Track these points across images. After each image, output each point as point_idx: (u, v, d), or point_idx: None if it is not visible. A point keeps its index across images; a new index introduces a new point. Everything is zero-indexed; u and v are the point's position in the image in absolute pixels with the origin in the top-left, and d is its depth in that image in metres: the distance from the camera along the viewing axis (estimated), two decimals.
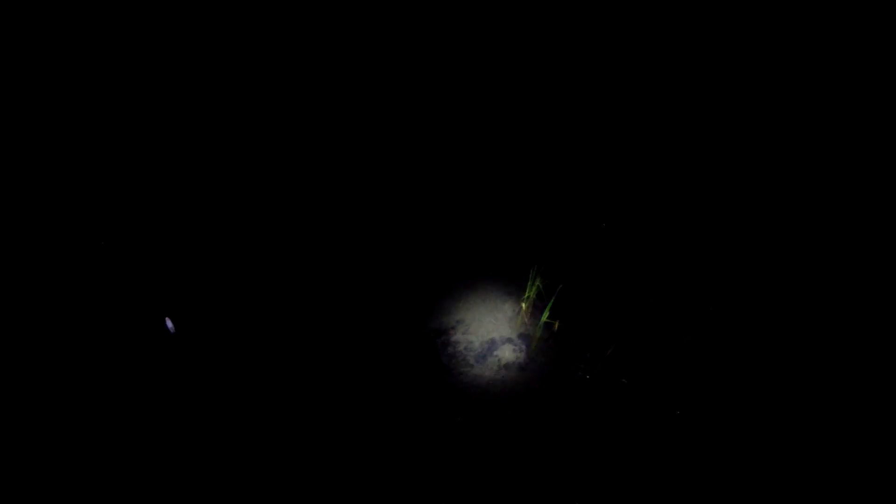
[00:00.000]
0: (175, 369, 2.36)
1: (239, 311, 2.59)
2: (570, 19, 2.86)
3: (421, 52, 2.96)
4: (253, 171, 2.90)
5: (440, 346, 2.52)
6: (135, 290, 2.51)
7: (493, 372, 2.46)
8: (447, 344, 2.52)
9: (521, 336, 2.53)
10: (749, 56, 2.80)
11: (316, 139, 3.00)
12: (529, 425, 2.33)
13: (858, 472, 2.16)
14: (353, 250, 2.81)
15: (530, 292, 2.54)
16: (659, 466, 2.19)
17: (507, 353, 2.49)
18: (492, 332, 2.54)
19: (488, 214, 2.93)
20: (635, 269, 2.69)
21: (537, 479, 2.17)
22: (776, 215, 2.81)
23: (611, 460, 2.21)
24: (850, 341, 2.50)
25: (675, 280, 2.64)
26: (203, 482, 2.09)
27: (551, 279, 2.64)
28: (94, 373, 2.34)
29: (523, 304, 2.56)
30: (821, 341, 2.49)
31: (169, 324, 2.32)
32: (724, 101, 2.89)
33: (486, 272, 2.72)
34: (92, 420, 2.22)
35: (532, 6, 2.86)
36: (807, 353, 2.46)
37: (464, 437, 2.30)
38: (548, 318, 2.52)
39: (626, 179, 2.92)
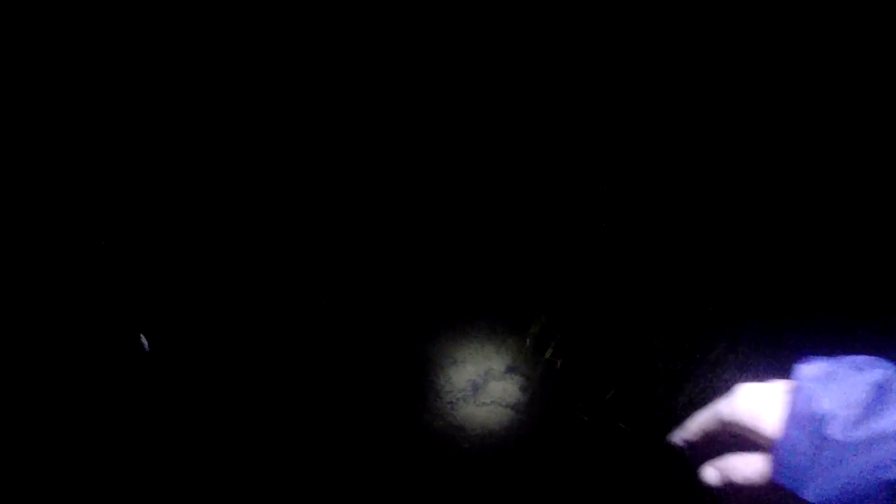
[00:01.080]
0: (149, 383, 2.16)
1: (220, 325, 2.37)
2: (539, 33, 2.62)
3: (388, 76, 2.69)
4: (243, 181, 2.63)
5: (433, 380, 2.36)
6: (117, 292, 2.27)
7: (489, 408, 2.33)
8: (441, 377, 2.37)
9: (521, 372, 2.39)
10: (748, 56, 2.61)
11: (304, 154, 2.73)
12: (523, 466, 2.23)
13: None
14: (341, 282, 2.59)
15: (534, 328, 2.39)
16: None
17: (506, 390, 2.36)
18: (491, 366, 2.40)
19: (492, 244, 2.73)
20: (643, 311, 2.55)
21: None
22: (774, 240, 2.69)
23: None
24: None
25: (683, 323, 2.52)
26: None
27: (557, 316, 2.49)
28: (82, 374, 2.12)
29: (526, 340, 2.41)
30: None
31: (144, 341, 2.12)
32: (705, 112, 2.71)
33: (488, 304, 2.55)
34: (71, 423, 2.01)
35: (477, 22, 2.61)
36: None
37: (456, 476, 2.18)
38: (550, 355, 2.39)
39: (631, 211, 2.74)
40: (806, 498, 0.38)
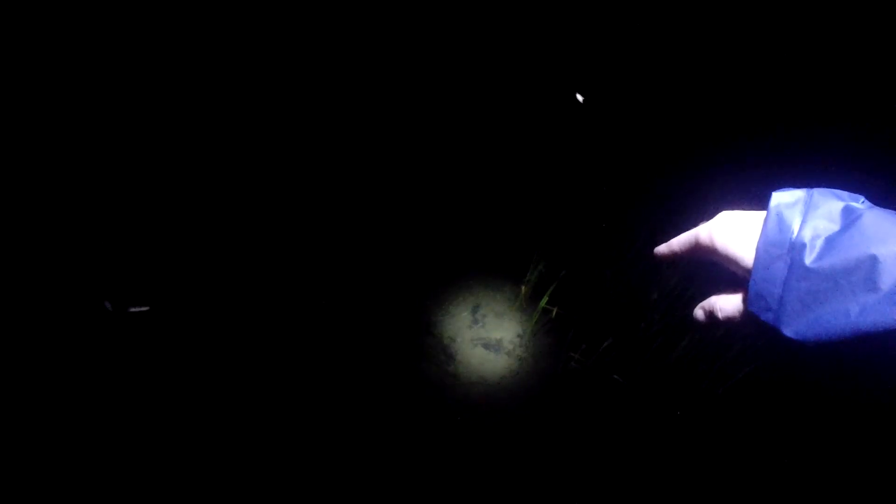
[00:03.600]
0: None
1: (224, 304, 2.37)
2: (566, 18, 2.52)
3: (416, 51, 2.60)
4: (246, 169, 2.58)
5: (428, 328, 2.35)
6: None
7: (482, 356, 2.32)
8: (435, 325, 2.35)
9: (516, 321, 2.37)
10: (749, 55, 2.50)
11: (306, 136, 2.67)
12: (515, 416, 2.23)
13: (865, 475, 2.13)
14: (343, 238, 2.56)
15: (531, 276, 2.35)
16: (644, 469, 2.13)
17: (500, 338, 2.34)
18: (486, 314, 2.37)
19: (490, 193, 2.68)
20: (641, 262, 2.51)
21: (522, 476, 2.09)
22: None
23: (597, 459, 2.14)
24: None
25: (681, 277, 2.47)
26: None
27: (555, 263, 2.45)
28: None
29: (523, 287, 2.38)
30: None
31: (108, 305, 2.13)
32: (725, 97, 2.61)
33: (485, 253, 2.51)
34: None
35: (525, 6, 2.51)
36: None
37: (447, 424, 2.19)
38: (546, 303, 2.36)
39: (635, 166, 2.67)
40: (785, 333, 0.36)
